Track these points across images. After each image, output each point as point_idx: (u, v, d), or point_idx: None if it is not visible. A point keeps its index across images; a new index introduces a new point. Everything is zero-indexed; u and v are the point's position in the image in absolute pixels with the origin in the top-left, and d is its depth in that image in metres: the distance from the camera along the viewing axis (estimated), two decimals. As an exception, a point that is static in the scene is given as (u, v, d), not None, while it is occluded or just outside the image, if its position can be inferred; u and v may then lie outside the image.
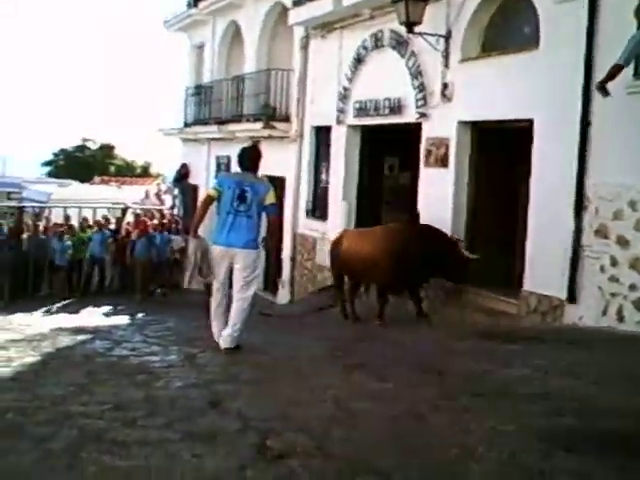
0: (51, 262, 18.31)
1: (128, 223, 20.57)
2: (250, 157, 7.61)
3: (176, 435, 4.28)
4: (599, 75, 8.13)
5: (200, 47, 23.07)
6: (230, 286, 7.44)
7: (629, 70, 7.89)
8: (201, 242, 7.83)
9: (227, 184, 7.37)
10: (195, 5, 21.53)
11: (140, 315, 13.71)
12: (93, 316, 13.41)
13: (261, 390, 5.60)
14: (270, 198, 7.39)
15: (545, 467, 3.75)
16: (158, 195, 27.59)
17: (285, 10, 16.52)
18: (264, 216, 7.50)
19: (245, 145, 8.64)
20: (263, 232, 7.65)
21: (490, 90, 10.34)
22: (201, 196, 21.29)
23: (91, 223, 19.51)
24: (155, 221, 20.45)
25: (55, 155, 53.24)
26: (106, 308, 15.54)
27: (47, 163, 52.43)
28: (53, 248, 18.34)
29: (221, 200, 7.32)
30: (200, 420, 4.65)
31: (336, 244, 11.35)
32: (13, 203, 27.55)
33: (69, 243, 18.62)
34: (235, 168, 19.45)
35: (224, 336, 7.24)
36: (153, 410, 4.87)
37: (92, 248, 18.56)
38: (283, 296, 16.47)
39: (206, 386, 5.67)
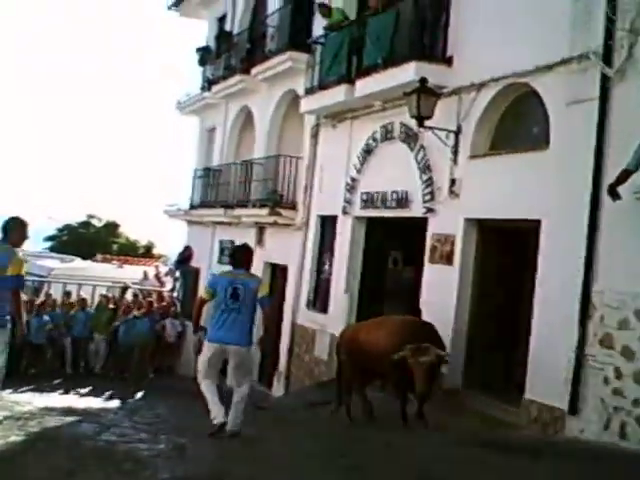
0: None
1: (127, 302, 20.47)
2: (242, 256, 8.13)
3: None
4: (608, 178, 8.10)
5: (211, 130, 23.34)
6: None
7: (638, 175, 7.83)
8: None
9: (220, 284, 7.77)
10: (209, 89, 21.82)
11: (131, 400, 13.44)
12: (83, 397, 13.12)
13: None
14: (262, 290, 7.79)
15: None
16: (157, 276, 27.46)
17: (297, 98, 16.63)
18: (259, 310, 7.88)
19: (237, 244, 9.32)
20: (259, 326, 8.02)
21: (498, 188, 10.30)
22: (200, 290, 21.26)
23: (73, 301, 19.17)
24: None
25: (59, 230, 53.43)
26: (97, 390, 15.22)
27: (50, 238, 52.58)
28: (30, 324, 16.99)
29: (215, 299, 7.73)
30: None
31: (348, 336, 10.97)
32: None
33: (47, 318, 17.87)
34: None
35: (232, 420, 7.51)
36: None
37: (74, 327, 18.13)
38: (278, 389, 16.12)
39: (194, 480, 5.45)
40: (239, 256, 8.07)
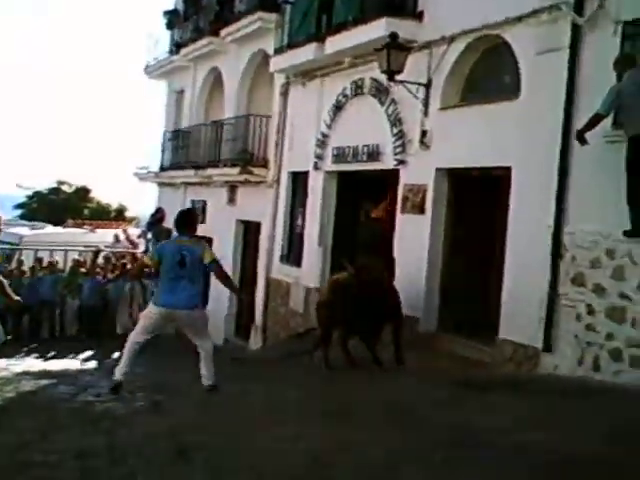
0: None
1: (100, 266, 20.34)
2: (186, 221, 8.08)
3: (139, 487, 4.07)
4: (578, 124, 8.20)
5: (180, 92, 23.09)
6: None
7: (608, 120, 7.95)
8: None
9: (167, 251, 7.78)
10: (177, 52, 21.60)
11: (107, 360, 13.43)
12: (59, 360, 13.08)
13: (231, 439, 5.37)
14: (207, 257, 7.79)
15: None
16: (128, 239, 27.22)
17: (266, 57, 16.57)
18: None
19: (182, 209, 9.21)
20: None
21: (469, 138, 10.34)
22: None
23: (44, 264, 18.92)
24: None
25: (29, 198, 52.81)
26: (73, 353, 15.18)
27: (20, 205, 51.96)
28: None
29: (162, 266, 7.72)
30: (166, 470, 4.43)
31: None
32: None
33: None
34: (211, 212, 19.48)
35: (206, 375, 7.66)
36: (116, 459, 4.65)
37: (42, 291, 17.64)
38: (256, 342, 16.22)
39: (173, 435, 5.44)
40: (182, 222, 8.03)
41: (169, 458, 4.73)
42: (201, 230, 20.27)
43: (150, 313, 7.77)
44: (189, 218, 8.22)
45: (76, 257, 19.88)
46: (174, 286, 7.60)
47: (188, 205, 20.65)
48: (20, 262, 19.27)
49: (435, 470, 4.51)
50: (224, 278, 8.29)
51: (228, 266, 17.87)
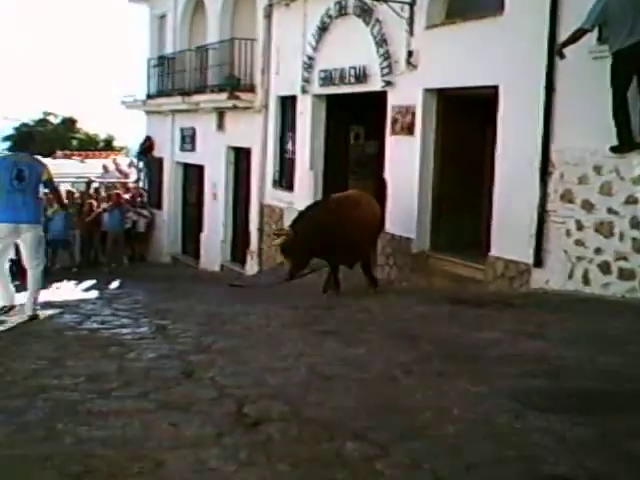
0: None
1: (91, 196, 20.44)
2: (23, 139, 8.75)
3: (152, 405, 4.29)
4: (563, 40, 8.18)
5: (162, 17, 22.68)
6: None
7: (593, 35, 7.97)
8: None
9: (3, 165, 7.79)
10: (157, -27, 21.17)
11: (108, 289, 13.67)
12: (61, 291, 13.27)
13: (234, 359, 5.59)
14: (46, 175, 7.93)
15: (518, 426, 3.83)
16: (118, 169, 27.17)
17: (249, -22, 16.33)
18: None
19: (21, 130, 9.94)
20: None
21: (455, 57, 10.33)
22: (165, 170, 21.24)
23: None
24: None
25: (16, 129, 52.25)
26: (73, 282, 15.41)
27: (7, 138, 51.48)
28: None
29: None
30: (175, 390, 4.65)
31: None
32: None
33: None
34: (200, 139, 19.40)
35: (27, 304, 7.72)
36: (127, 381, 4.86)
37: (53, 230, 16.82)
38: (252, 267, 16.47)
39: (179, 356, 5.67)
40: (20, 141, 8.66)
41: (177, 379, 4.95)
42: (192, 158, 20.44)
43: None
44: (26, 138, 8.96)
45: (69, 188, 19.90)
46: (15, 200, 7.64)
47: (177, 132, 20.64)
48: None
49: (430, 380, 4.75)
50: (58, 197, 9.12)
51: (220, 193, 18.02)
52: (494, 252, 9.59)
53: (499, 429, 3.79)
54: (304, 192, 14.21)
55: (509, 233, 9.35)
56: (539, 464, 3.30)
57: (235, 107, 17.10)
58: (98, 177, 24.57)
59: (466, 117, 10.87)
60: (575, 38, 7.84)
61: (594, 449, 3.51)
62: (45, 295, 8.58)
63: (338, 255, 10.03)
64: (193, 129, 19.87)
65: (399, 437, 3.69)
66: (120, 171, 26.63)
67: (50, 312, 8.11)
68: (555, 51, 8.17)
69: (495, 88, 9.59)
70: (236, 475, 3.16)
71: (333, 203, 10.31)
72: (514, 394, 4.35)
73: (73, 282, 15.46)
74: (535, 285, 8.90)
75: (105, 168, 26.82)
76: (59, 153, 35.29)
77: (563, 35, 8.28)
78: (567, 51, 7.96)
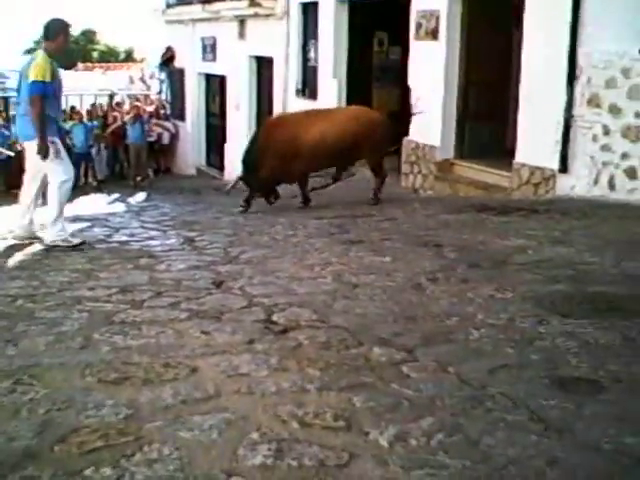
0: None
1: (114, 109, 20.41)
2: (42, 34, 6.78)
3: (183, 314, 4.40)
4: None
5: None
6: None
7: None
8: None
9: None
10: None
11: (135, 202, 13.79)
12: (89, 204, 13.41)
13: (262, 269, 5.70)
14: (31, 75, 6.34)
15: (542, 331, 3.90)
16: (143, 80, 27.02)
17: None
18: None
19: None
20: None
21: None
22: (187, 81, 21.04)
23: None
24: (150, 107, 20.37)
25: (36, 43, 51.85)
26: (100, 196, 15.56)
27: (29, 51, 51.18)
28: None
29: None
30: (205, 299, 4.76)
31: None
32: (-3, 93, 26.89)
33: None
34: (222, 49, 19.08)
35: (48, 232, 6.91)
36: (159, 291, 4.99)
37: (75, 143, 16.84)
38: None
39: (208, 267, 5.79)
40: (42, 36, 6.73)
41: (207, 288, 5.06)
42: (213, 68, 20.13)
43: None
44: (44, 30, 6.66)
45: (92, 102, 19.88)
46: (16, 116, 7.00)
47: (198, 42, 20.36)
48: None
49: (455, 287, 4.83)
50: (36, 106, 6.38)
51: (244, 103, 17.89)
52: (519, 159, 9.53)
53: (523, 334, 3.87)
54: (327, 101, 14.07)
55: (534, 139, 9.26)
56: (562, 367, 3.38)
57: (256, 15, 16.82)
58: (121, 89, 24.46)
59: (492, 21, 10.65)
60: None
61: (617, 352, 3.58)
62: (72, 209, 8.64)
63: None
64: (214, 38, 19.61)
65: (425, 342, 3.78)
66: (145, 82, 26.50)
67: (80, 226, 8.23)
68: None
69: (522, -8, 9.37)
70: (268, 379, 3.26)
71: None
72: (538, 300, 4.42)
73: (99, 196, 15.61)
74: (560, 191, 8.87)
75: (131, 79, 26.68)
76: (80, 65, 35.08)
77: None
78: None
